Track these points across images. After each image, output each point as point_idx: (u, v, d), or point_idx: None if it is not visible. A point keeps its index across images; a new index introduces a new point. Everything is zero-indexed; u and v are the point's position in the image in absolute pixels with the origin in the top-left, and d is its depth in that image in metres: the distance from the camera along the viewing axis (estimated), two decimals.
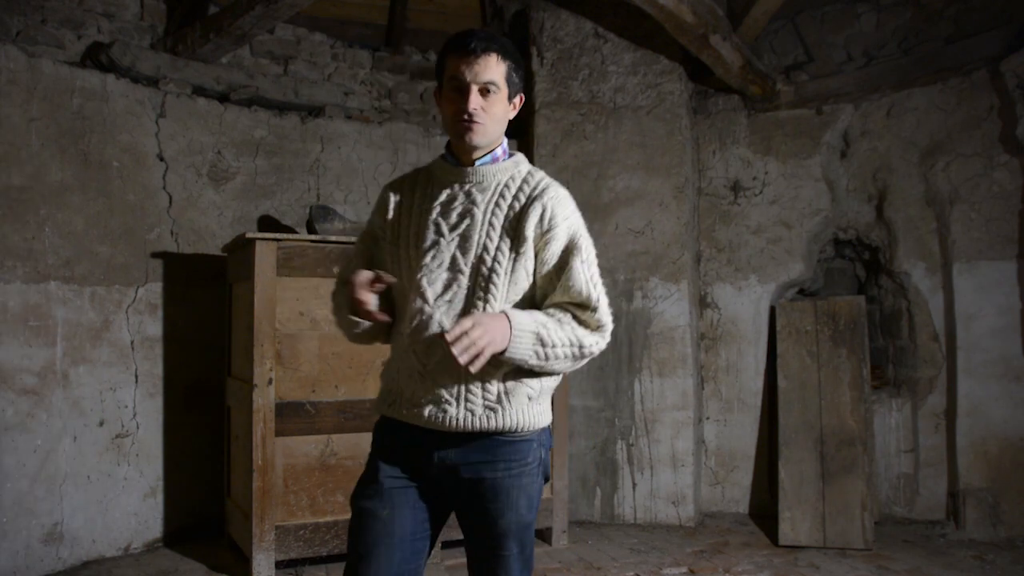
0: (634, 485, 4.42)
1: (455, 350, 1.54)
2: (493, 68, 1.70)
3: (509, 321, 1.62)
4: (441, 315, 1.68)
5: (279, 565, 3.41)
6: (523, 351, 1.63)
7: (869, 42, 4.49)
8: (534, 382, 1.73)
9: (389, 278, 1.68)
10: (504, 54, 1.72)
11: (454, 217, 1.74)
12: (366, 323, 1.77)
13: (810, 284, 4.66)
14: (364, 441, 3.51)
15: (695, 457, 4.42)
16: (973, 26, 4.16)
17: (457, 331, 1.55)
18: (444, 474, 1.72)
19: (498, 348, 1.60)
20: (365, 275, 1.68)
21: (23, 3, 3.68)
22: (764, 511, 4.44)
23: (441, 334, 1.61)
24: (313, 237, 3.55)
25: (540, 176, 1.79)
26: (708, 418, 4.66)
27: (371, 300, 1.69)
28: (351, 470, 3.50)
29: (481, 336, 1.56)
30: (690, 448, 4.37)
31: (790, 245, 4.57)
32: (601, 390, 4.49)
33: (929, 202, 4.26)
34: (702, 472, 4.58)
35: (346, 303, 1.75)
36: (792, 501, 4.10)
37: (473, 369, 1.58)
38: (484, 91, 1.70)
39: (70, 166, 3.66)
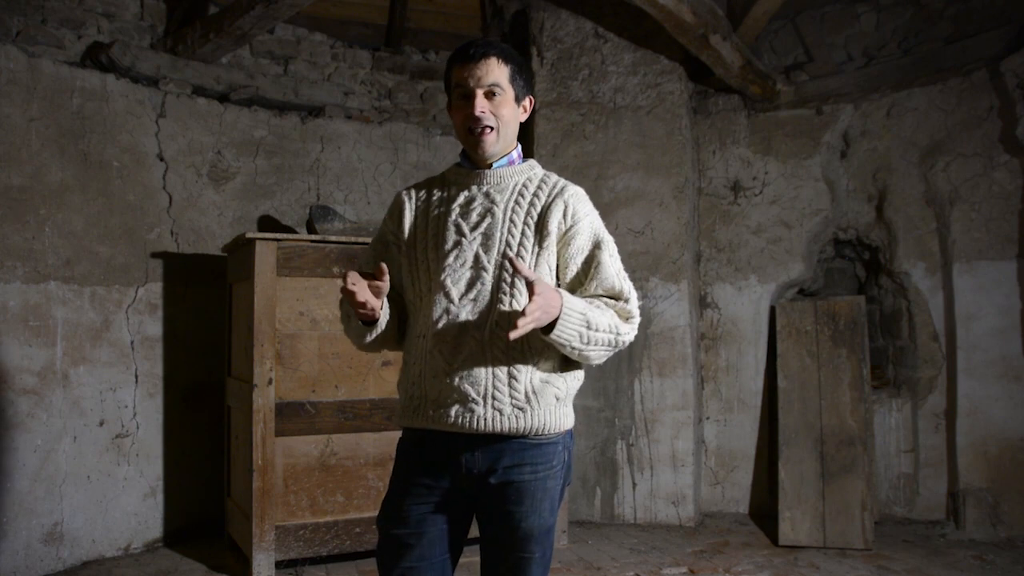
0: (634, 485, 4.42)
1: (521, 321, 1.50)
2: (495, 71, 1.72)
3: (561, 297, 1.60)
4: (466, 314, 1.67)
5: (279, 565, 3.41)
6: (570, 331, 1.61)
7: (869, 42, 4.49)
8: (561, 382, 1.73)
9: (384, 272, 1.61)
10: (505, 58, 1.74)
11: (474, 217, 1.74)
12: (377, 330, 1.73)
13: (810, 284, 4.66)
14: (364, 441, 3.56)
15: (695, 457, 4.42)
16: (973, 26, 4.16)
17: (533, 306, 1.52)
18: (470, 478, 1.71)
19: (544, 323, 1.57)
20: (356, 274, 1.61)
21: (23, 3, 3.68)
22: (764, 511, 4.44)
23: (522, 312, 1.52)
24: (313, 237, 3.55)
25: (557, 177, 1.82)
26: (708, 418, 4.66)
27: (366, 295, 1.61)
28: (351, 470, 3.50)
29: (539, 307, 1.53)
30: (690, 448, 4.37)
31: (790, 245, 4.57)
32: (601, 390, 4.49)
33: (929, 202, 4.26)
34: (702, 472, 4.58)
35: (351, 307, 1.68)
36: (792, 501, 4.10)
37: (512, 336, 1.52)
38: (489, 94, 1.72)
39: (70, 166, 3.66)
